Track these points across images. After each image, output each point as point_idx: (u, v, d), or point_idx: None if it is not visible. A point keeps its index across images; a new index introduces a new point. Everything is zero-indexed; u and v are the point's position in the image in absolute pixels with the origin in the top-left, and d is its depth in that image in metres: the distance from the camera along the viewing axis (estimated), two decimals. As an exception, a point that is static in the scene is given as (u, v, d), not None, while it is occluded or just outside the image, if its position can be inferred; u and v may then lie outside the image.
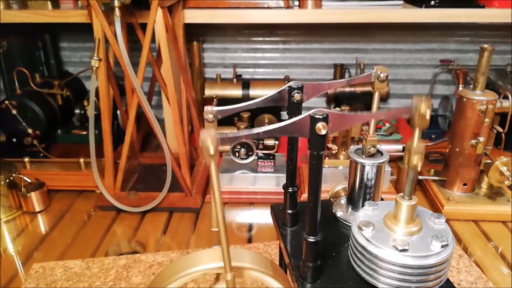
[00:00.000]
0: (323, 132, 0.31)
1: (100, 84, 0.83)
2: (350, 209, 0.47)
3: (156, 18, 0.79)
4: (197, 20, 0.97)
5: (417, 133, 0.32)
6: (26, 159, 0.98)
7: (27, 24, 1.00)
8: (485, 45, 0.82)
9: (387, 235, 0.36)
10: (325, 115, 0.32)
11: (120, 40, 0.76)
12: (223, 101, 1.18)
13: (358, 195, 0.45)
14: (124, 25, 0.81)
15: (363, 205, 0.44)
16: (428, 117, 0.31)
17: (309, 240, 0.36)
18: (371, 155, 0.43)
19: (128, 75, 0.79)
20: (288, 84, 0.39)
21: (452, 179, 0.90)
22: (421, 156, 0.32)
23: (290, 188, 0.45)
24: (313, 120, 0.32)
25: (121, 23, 0.77)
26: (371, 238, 0.35)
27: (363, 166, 0.43)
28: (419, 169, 0.32)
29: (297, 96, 0.39)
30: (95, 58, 0.79)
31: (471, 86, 0.85)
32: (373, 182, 0.44)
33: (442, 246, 0.34)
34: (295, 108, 0.40)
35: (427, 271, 0.34)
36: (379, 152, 0.44)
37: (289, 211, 0.46)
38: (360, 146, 0.45)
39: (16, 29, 1.14)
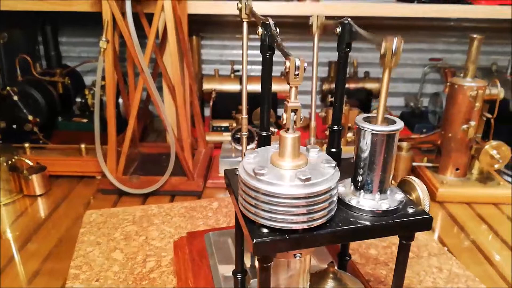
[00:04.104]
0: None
1: (107, 66, 0.84)
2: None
3: (164, 3, 0.82)
4: (200, 10, 1.00)
5: (293, 91, 0.33)
6: (26, 145, 0.98)
7: (27, 15, 1.01)
8: (474, 35, 0.87)
9: (283, 173, 0.34)
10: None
11: (130, 19, 0.78)
12: (221, 95, 1.21)
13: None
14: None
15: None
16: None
17: (262, 134, 0.42)
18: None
19: (136, 55, 0.81)
20: (340, 20, 0.41)
21: (445, 165, 0.93)
22: None
23: (335, 127, 0.46)
24: None
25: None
26: (270, 179, 0.33)
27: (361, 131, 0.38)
28: None
29: (336, 30, 0.41)
30: (103, 40, 0.81)
31: (462, 75, 0.90)
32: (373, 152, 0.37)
33: (334, 167, 0.34)
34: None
35: (328, 195, 0.34)
36: (392, 121, 0.39)
37: (332, 150, 0.46)
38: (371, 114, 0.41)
39: (16, 20, 1.15)
